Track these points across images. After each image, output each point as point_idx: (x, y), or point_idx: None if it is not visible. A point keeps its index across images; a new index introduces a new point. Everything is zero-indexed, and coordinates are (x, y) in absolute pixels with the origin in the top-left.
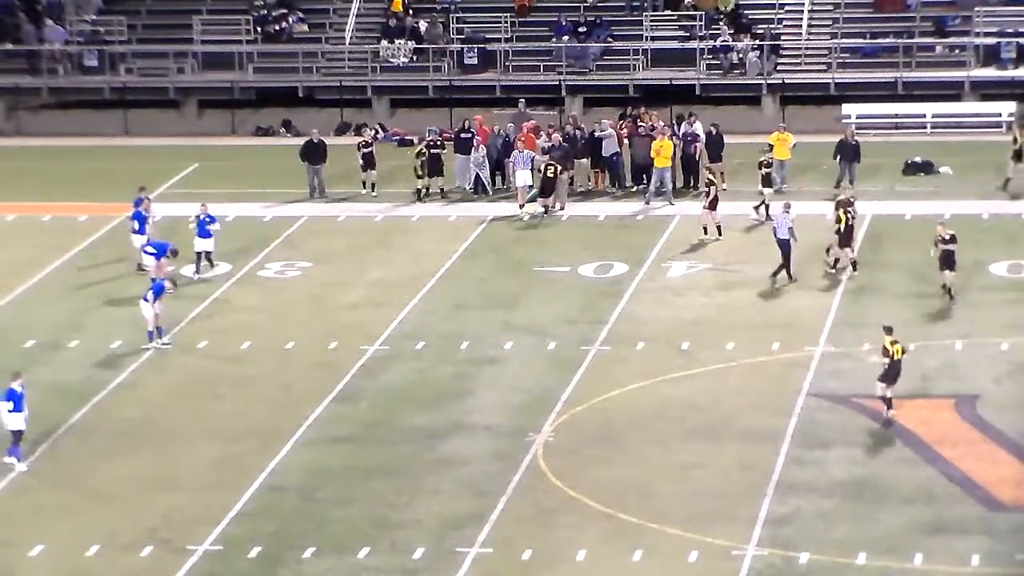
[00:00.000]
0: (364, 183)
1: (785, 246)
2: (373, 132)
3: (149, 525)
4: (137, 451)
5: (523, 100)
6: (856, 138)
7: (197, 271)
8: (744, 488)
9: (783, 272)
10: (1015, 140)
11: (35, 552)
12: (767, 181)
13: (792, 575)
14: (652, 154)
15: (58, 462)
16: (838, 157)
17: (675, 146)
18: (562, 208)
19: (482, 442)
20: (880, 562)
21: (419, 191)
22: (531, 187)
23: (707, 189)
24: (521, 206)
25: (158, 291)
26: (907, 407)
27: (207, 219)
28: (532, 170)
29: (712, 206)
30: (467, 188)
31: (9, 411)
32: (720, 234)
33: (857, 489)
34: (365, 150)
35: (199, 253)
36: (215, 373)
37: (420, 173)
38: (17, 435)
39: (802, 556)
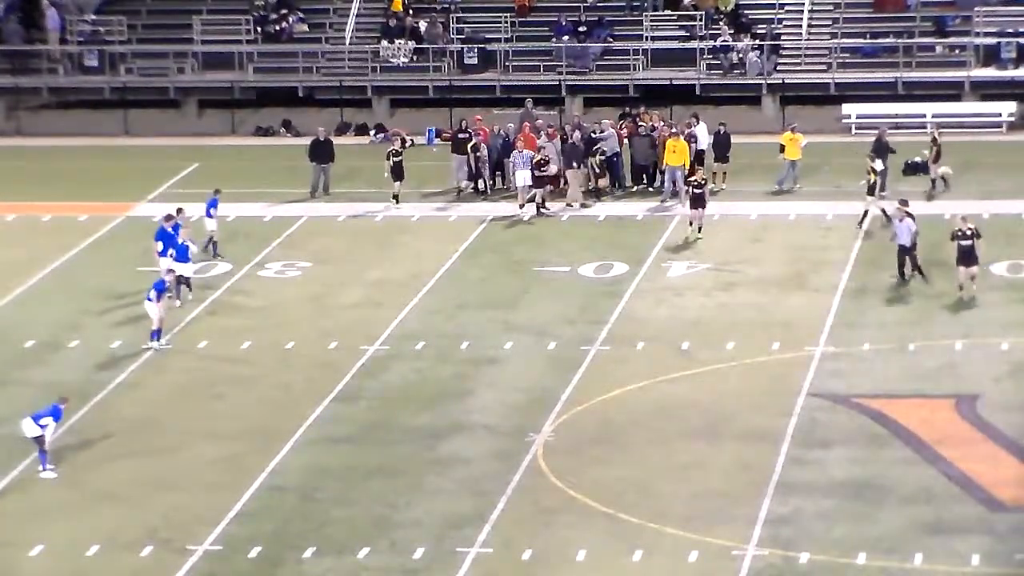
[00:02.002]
0: (396, 197)
1: (905, 251)
2: (401, 139)
3: (149, 525)
4: (137, 451)
5: (530, 100)
6: (887, 137)
7: (178, 296)
8: (744, 488)
9: (911, 270)
10: (934, 141)
11: (35, 552)
12: (871, 189)
13: (792, 575)
14: (667, 153)
15: (58, 462)
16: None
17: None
18: (582, 206)
19: (482, 442)
20: (880, 562)
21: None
22: (531, 186)
23: (695, 189)
24: (521, 206)
25: (160, 289)
26: (907, 407)
27: (190, 242)
28: (532, 170)
29: (696, 204)
30: (467, 187)
31: (46, 425)
32: (699, 232)
33: (857, 489)
34: (395, 159)
35: (180, 278)
36: (215, 373)
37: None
38: (41, 441)
39: (802, 556)
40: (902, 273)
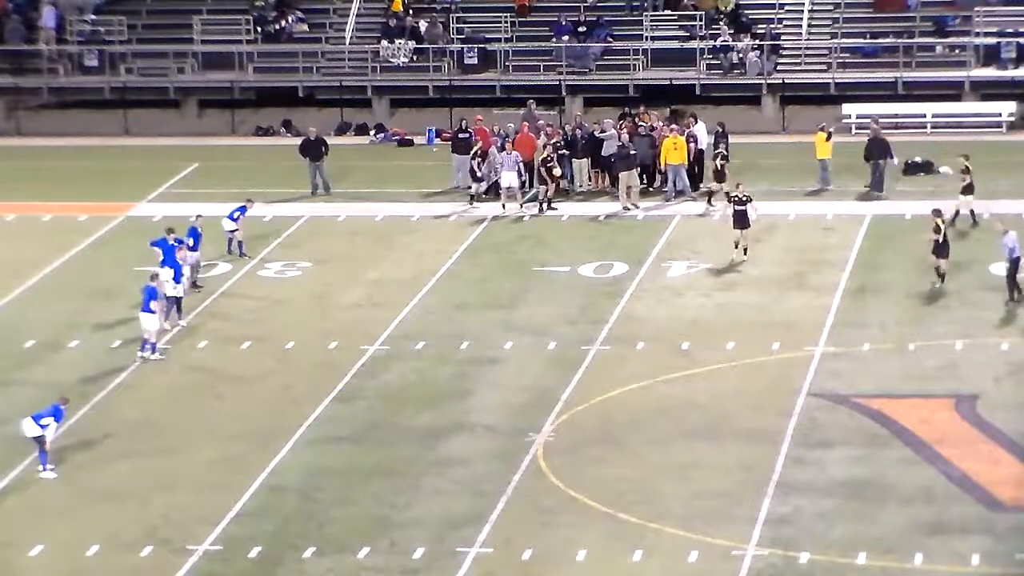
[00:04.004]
0: (474, 197)
1: (1017, 264)
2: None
3: (149, 525)
4: (137, 451)
5: (532, 101)
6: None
7: (178, 316)
8: (744, 488)
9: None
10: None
11: (35, 552)
12: (969, 189)
13: (792, 575)
14: (668, 151)
15: (58, 462)
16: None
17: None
18: (633, 208)
19: (482, 442)
20: (880, 562)
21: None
22: (526, 189)
23: (736, 206)
24: (503, 206)
25: (153, 296)
26: (907, 407)
27: (183, 262)
28: (519, 171)
29: (740, 223)
30: (463, 187)
31: (47, 425)
32: (744, 254)
33: (857, 489)
34: (480, 159)
35: (170, 299)
36: (215, 373)
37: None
38: (42, 441)
39: (802, 556)
40: (1013, 290)
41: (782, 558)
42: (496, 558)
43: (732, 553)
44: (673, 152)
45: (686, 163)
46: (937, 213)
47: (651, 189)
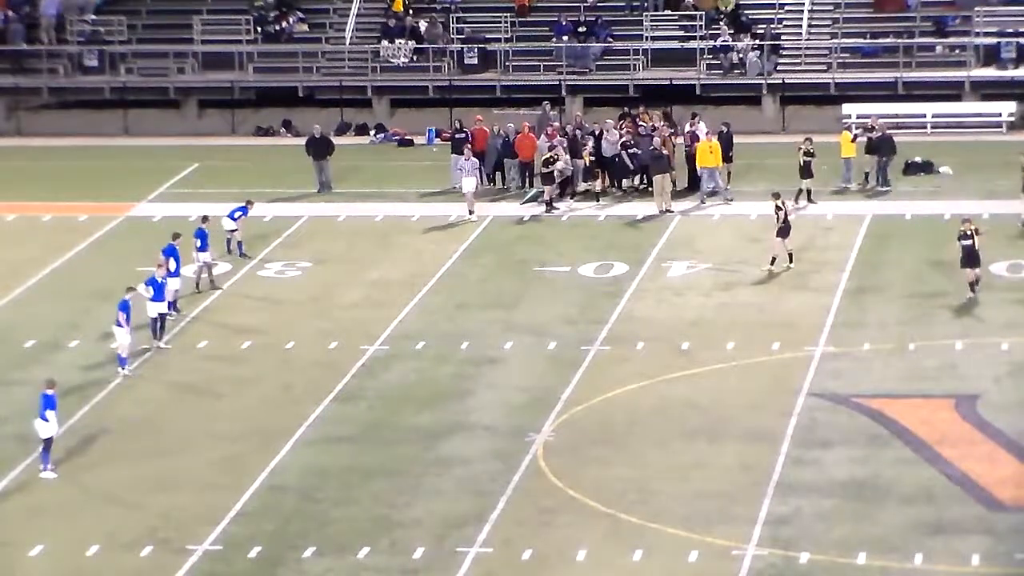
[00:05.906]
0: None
1: None
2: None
3: (149, 525)
4: (137, 451)
5: (547, 103)
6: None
7: (155, 336)
8: (744, 488)
9: None
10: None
11: (35, 552)
12: None
13: (792, 575)
14: (702, 154)
15: (58, 462)
16: (878, 155)
17: (675, 146)
18: (670, 211)
19: (482, 442)
20: (880, 562)
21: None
22: (528, 188)
23: (776, 214)
24: (470, 211)
25: (125, 309)
26: (907, 407)
27: (167, 276)
28: (479, 177)
29: (782, 233)
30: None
31: (48, 418)
32: (791, 262)
33: (857, 489)
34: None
35: (155, 318)
36: (215, 373)
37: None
38: (49, 442)
39: (802, 556)
40: None
41: (782, 558)
42: (496, 558)
43: (732, 553)
44: (708, 155)
45: (720, 165)
46: (966, 221)
47: (650, 190)
